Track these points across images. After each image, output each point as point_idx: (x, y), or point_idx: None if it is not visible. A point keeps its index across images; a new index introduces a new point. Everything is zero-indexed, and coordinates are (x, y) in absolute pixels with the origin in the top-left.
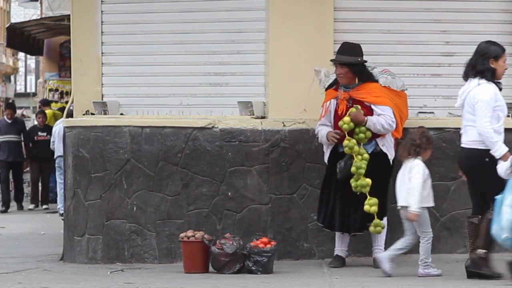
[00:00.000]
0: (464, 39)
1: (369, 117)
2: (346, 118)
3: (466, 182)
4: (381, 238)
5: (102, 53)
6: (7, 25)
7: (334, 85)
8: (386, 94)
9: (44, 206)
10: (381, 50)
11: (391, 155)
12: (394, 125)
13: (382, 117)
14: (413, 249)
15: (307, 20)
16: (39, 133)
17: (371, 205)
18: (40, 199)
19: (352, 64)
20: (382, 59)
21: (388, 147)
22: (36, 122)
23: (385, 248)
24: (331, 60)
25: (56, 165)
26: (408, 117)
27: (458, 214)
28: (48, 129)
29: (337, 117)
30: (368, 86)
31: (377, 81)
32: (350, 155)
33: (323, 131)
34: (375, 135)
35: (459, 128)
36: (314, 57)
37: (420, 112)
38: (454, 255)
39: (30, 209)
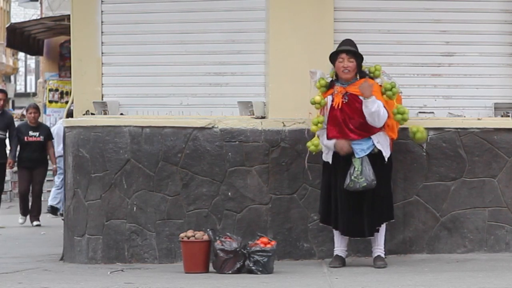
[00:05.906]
0: (464, 39)
1: (373, 97)
2: (316, 141)
3: (466, 182)
4: (381, 238)
5: (102, 53)
6: (7, 25)
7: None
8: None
9: (35, 223)
10: (381, 50)
11: (386, 153)
12: (386, 117)
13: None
14: (413, 249)
15: (307, 20)
16: (30, 133)
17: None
18: (30, 214)
19: (358, 56)
20: (382, 59)
21: (383, 145)
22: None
23: (385, 248)
24: (340, 50)
25: (57, 165)
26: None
27: (458, 214)
28: (42, 129)
29: (332, 110)
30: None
31: (371, 78)
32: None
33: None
34: (368, 132)
35: (459, 128)
36: (314, 57)
37: (420, 112)
38: (454, 255)
39: (20, 224)
